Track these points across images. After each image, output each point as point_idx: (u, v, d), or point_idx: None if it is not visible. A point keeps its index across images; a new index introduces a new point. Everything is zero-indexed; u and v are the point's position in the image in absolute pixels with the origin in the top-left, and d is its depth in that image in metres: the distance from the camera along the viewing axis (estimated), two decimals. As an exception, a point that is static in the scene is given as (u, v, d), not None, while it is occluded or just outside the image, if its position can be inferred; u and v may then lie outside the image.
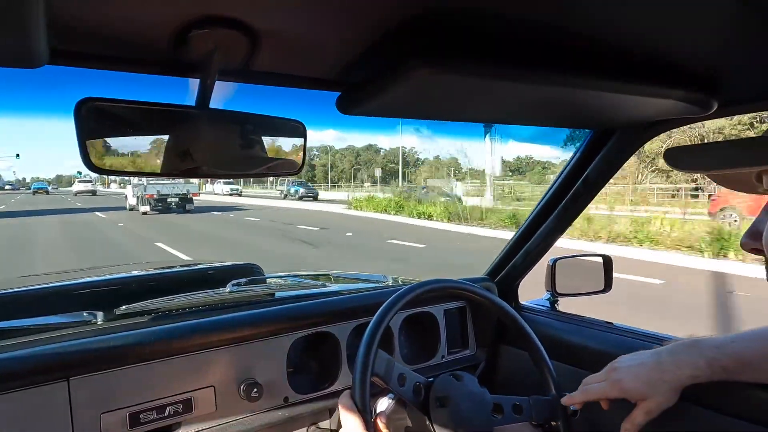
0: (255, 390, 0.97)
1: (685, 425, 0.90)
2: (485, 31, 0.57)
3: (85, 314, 1.03)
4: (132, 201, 19.95)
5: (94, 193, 39.66)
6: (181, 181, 18.73)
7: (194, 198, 20.70)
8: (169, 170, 0.59)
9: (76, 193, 38.40)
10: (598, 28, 0.58)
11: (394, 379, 0.83)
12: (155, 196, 18.56)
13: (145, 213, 18.17)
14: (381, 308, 0.85)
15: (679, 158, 0.62)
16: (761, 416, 0.84)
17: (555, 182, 1.22)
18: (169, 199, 18.80)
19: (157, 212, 18.37)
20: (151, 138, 0.59)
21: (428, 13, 0.52)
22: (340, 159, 73.34)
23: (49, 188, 52.95)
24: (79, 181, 41.58)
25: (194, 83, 0.60)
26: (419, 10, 0.51)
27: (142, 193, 18.88)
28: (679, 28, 0.58)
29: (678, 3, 0.51)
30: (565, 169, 1.18)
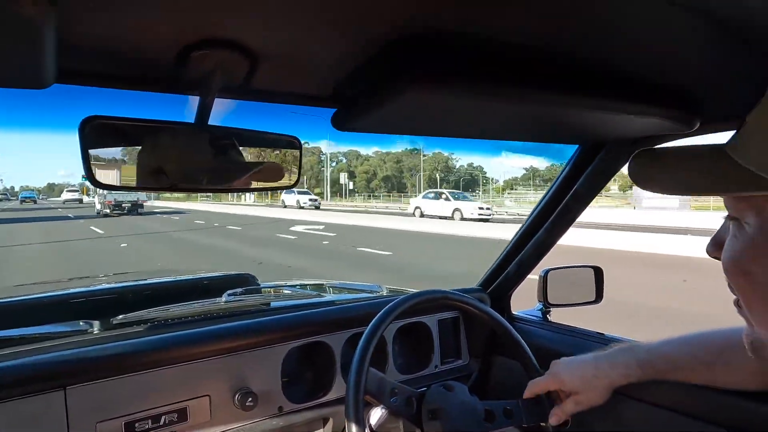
0: (250, 399, 0.98)
1: (616, 416, 0.98)
2: (475, 52, 0.60)
3: (81, 323, 1.04)
4: (98, 207, 26.11)
5: (80, 201, 43.27)
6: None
7: (144, 204, 28.28)
8: (169, 185, 0.61)
9: (64, 202, 43.20)
10: (583, 50, 0.61)
11: (386, 395, 0.84)
12: (113, 203, 24.44)
13: (106, 215, 23.87)
14: (373, 321, 0.86)
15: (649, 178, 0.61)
16: (688, 408, 0.91)
17: (546, 195, 1.24)
18: (123, 205, 24.81)
19: (116, 215, 23.91)
20: (153, 154, 0.61)
21: (420, 34, 0.54)
22: (380, 165, 65.30)
23: (38, 197, 54.59)
24: (67, 191, 47.61)
25: (194, 100, 0.62)
26: (411, 31, 0.54)
27: (103, 200, 24.83)
28: (659, 50, 0.61)
29: (656, 27, 0.54)
30: (556, 182, 1.21)
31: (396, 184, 60.88)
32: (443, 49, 0.58)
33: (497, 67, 0.62)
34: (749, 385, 0.83)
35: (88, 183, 0.59)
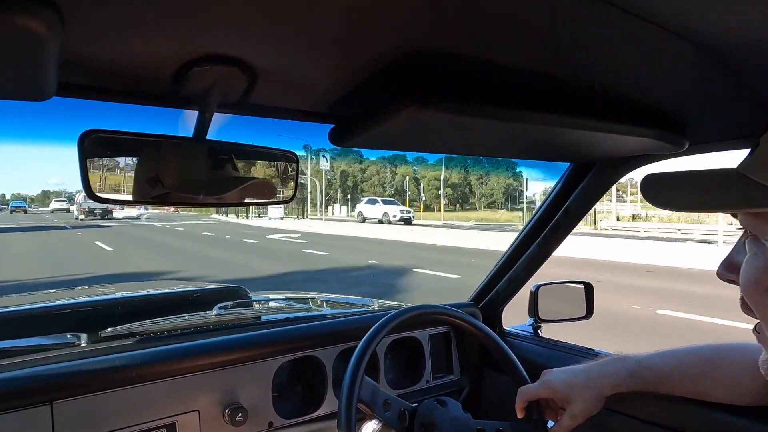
0: (240, 414, 0.97)
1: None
2: (470, 73, 0.61)
3: (69, 336, 1.02)
4: (75, 213, 31.58)
5: (67, 210, 45.48)
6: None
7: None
8: (168, 200, 0.61)
9: (53, 211, 46.16)
10: (575, 72, 0.63)
11: (379, 405, 0.84)
12: (87, 210, 29.69)
13: (82, 219, 28.96)
14: (367, 334, 0.86)
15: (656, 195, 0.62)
16: (678, 424, 0.93)
17: (537, 212, 1.26)
18: (96, 211, 29.83)
19: (90, 219, 29.26)
20: (151, 168, 0.61)
21: (416, 56, 0.56)
22: (445, 172, 52.11)
23: (31, 206, 55.75)
24: (55, 200, 51.57)
25: (193, 115, 0.63)
26: (409, 53, 0.55)
27: (79, 207, 30.55)
28: (649, 74, 0.63)
29: (645, 52, 0.56)
30: (547, 199, 1.23)
31: (462, 194, 51.54)
32: (439, 70, 0.60)
33: (492, 88, 0.63)
34: (734, 401, 0.84)
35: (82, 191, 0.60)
